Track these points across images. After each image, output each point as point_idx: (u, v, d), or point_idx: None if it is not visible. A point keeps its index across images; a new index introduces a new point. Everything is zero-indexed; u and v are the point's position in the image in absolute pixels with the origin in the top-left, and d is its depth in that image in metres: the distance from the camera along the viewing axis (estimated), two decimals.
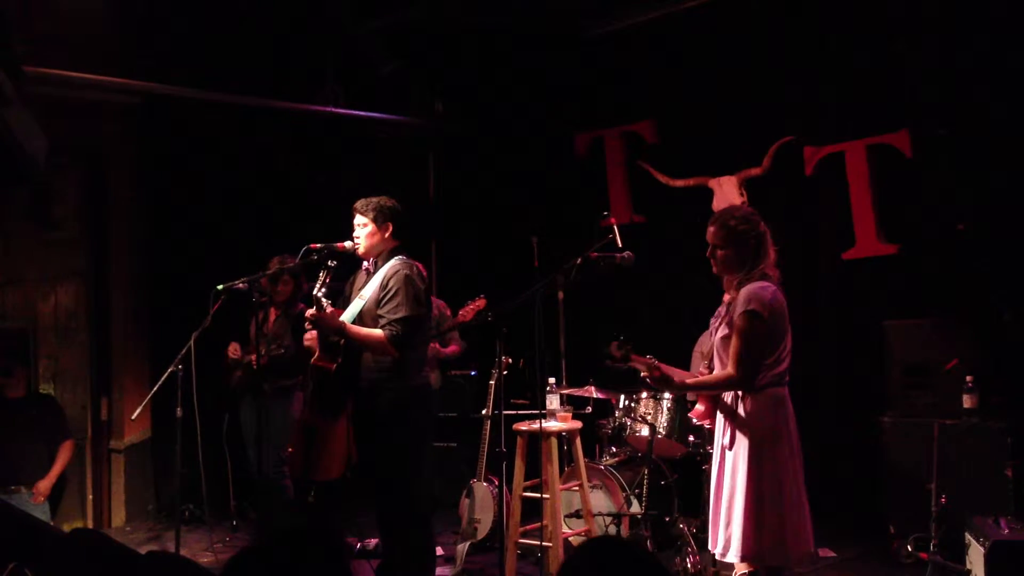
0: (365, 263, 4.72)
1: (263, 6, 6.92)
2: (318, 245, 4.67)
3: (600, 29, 7.36)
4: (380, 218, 4.64)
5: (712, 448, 5.62)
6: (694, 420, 5.83)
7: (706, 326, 6.35)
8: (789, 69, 6.59)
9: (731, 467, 3.85)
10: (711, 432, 5.73)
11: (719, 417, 3.97)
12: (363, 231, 4.64)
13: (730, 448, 3.86)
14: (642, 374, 3.95)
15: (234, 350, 6.31)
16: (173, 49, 6.79)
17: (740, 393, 3.86)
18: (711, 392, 3.99)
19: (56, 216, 7.17)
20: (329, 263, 4.62)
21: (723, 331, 3.90)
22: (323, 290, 4.51)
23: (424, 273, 4.69)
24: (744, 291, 3.81)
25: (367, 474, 4.63)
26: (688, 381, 4.02)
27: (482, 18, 7.31)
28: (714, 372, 3.98)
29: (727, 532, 3.81)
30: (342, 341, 4.53)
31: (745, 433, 3.81)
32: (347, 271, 4.89)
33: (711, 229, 3.91)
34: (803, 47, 6.54)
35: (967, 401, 5.40)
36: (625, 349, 3.87)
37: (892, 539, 5.53)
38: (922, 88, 6.08)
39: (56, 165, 6.59)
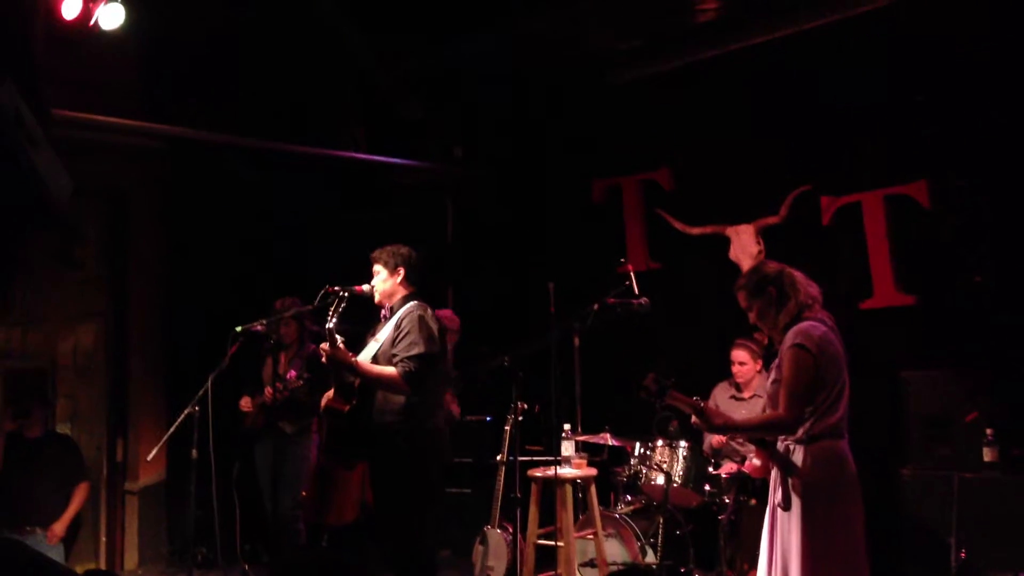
0: (383, 310, 4.76)
1: (286, 52, 7.03)
2: (336, 288, 4.71)
3: (619, 77, 7.43)
4: (392, 264, 4.72)
5: (728, 499, 5.58)
6: (722, 474, 5.78)
7: (721, 374, 6.38)
8: (806, 119, 6.61)
9: (784, 528, 3.69)
10: (727, 482, 5.72)
11: (772, 473, 3.81)
12: (377, 278, 4.72)
13: (783, 507, 3.69)
14: (692, 420, 3.83)
15: (246, 404, 6.32)
16: (197, 93, 6.89)
17: (792, 446, 3.72)
18: (758, 434, 3.86)
19: (78, 257, 7.24)
20: (341, 292, 4.64)
21: (774, 375, 3.79)
22: (334, 321, 4.52)
23: (455, 323, 4.70)
24: (791, 330, 3.75)
25: (378, 515, 4.62)
26: (735, 422, 3.94)
27: (500, 65, 7.40)
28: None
29: None
30: (357, 382, 4.54)
31: (798, 490, 3.65)
32: (364, 315, 4.92)
33: (739, 297, 3.92)
34: (820, 97, 6.57)
35: (987, 454, 5.33)
36: (662, 384, 3.69)
37: None
38: (940, 139, 6.08)
39: (79, 206, 6.67)
